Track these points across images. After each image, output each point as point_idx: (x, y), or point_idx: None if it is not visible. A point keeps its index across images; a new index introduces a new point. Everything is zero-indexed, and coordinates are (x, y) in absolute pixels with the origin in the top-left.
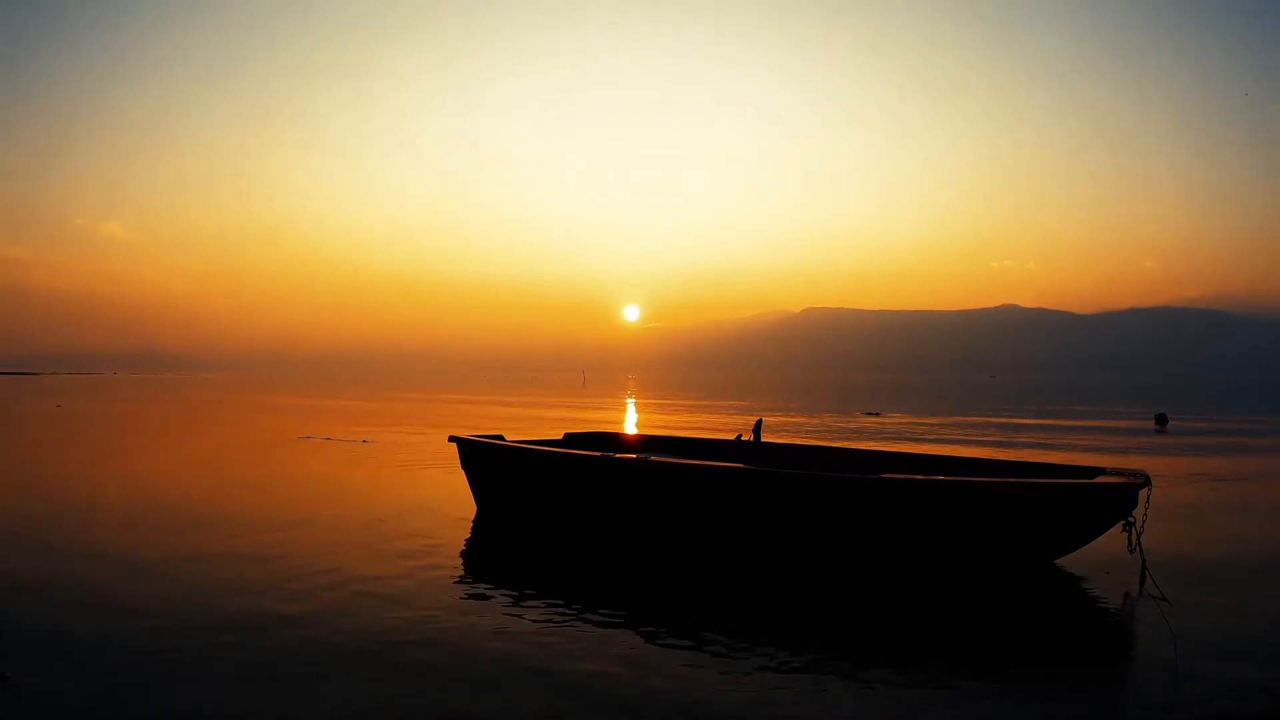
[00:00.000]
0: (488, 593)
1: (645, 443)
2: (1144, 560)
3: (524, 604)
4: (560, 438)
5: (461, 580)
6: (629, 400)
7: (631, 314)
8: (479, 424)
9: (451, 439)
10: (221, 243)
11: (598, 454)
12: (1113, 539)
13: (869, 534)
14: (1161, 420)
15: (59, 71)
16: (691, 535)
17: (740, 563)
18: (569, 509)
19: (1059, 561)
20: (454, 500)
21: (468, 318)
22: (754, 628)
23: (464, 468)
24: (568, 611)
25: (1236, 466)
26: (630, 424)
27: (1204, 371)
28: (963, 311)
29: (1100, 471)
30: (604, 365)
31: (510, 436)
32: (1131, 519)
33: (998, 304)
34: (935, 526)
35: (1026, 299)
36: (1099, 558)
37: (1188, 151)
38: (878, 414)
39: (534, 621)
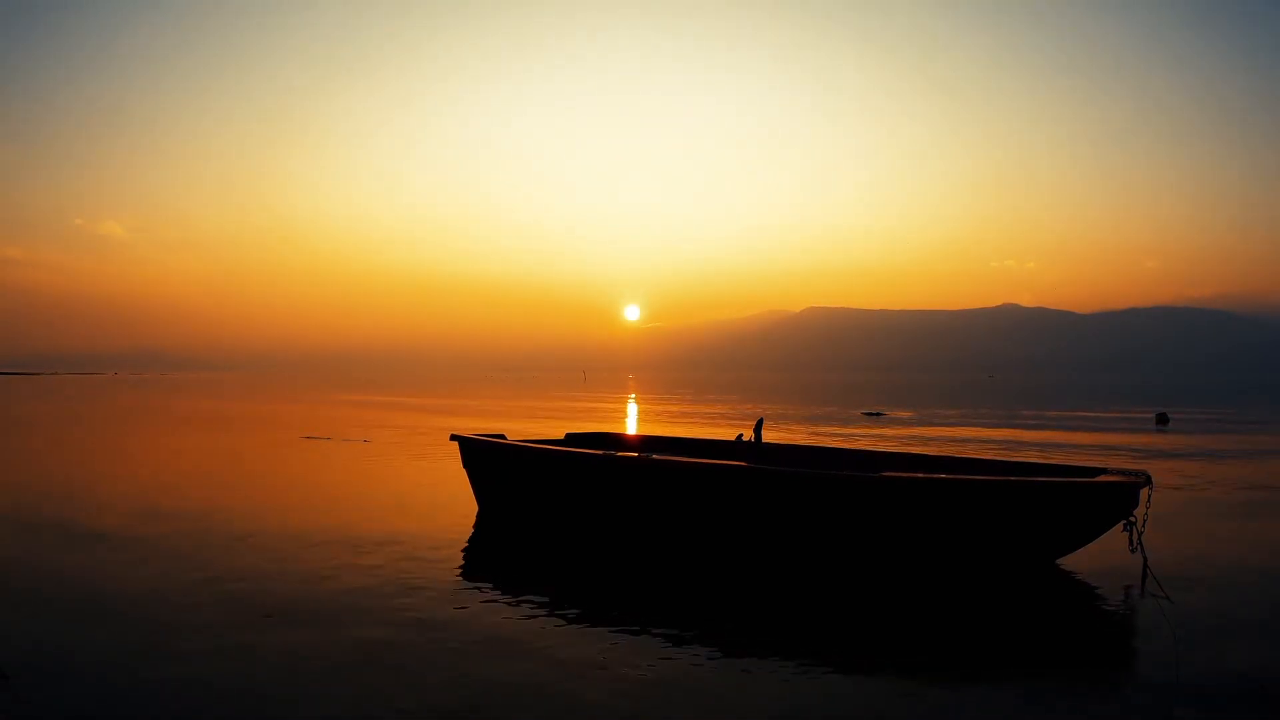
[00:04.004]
0: (489, 592)
1: (646, 442)
2: (1145, 560)
3: (526, 604)
4: (561, 437)
5: (462, 580)
6: (630, 401)
7: (632, 314)
8: (477, 425)
9: (453, 438)
10: (223, 242)
11: (599, 453)
12: (1114, 538)
13: (870, 533)
14: (1162, 419)
15: (58, 71)
16: (693, 534)
17: (742, 562)
18: (570, 508)
19: (1060, 561)
20: (455, 499)
21: (468, 317)
22: (755, 628)
23: (465, 467)
24: (569, 612)
25: (1237, 466)
26: (631, 424)
27: (1205, 371)
28: (963, 311)
29: (1101, 471)
30: (604, 365)
31: (510, 436)
32: (1132, 518)
33: (998, 304)
34: (936, 526)
35: (1026, 299)
36: (1100, 557)
37: (1188, 151)
38: (878, 414)
39: (535, 623)
